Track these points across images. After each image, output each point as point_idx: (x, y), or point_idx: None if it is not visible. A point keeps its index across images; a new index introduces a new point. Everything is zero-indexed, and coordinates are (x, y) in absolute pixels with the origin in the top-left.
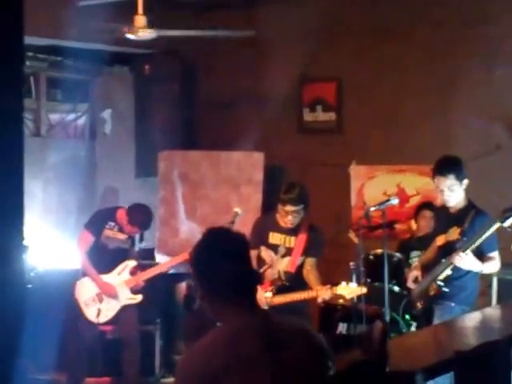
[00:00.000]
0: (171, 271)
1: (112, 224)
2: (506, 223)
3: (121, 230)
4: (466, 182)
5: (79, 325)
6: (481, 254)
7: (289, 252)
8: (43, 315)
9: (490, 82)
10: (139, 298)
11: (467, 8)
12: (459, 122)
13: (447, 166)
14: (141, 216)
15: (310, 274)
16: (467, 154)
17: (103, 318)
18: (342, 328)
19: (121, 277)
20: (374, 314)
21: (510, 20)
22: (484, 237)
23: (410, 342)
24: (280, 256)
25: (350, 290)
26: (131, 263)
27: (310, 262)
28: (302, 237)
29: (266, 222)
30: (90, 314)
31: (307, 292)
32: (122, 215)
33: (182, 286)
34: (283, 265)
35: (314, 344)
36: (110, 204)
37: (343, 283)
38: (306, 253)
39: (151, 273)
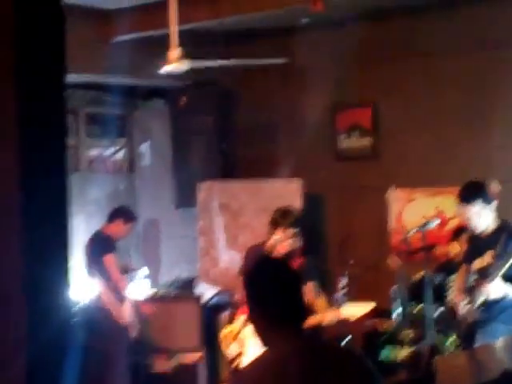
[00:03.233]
0: (213, 300)
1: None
2: None
3: None
4: (494, 203)
5: (124, 352)
6: None
7: None
8: (86, 349)
9: None
10: None
11: (507, 28)
12: (497, 144)
13: (473, 192)
14: (128, 208)
15: (318, 298)
16: (505, 176)
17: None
18: (386, 353)
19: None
20: (418, 338)
21: None
22: (508, 264)
23: (455, 362)
24: None
25: (357, 309)
26: None
27: (311, 287)
28: (297, 262)
29: (259, 252)
30: (133, 333)
31: (312, 318)
32: (113, 229)
33: (225, 316)
34: None
35: (361, 368)
36: (152, 236)
37: (350, 303)
38: (304, 278)
39: None
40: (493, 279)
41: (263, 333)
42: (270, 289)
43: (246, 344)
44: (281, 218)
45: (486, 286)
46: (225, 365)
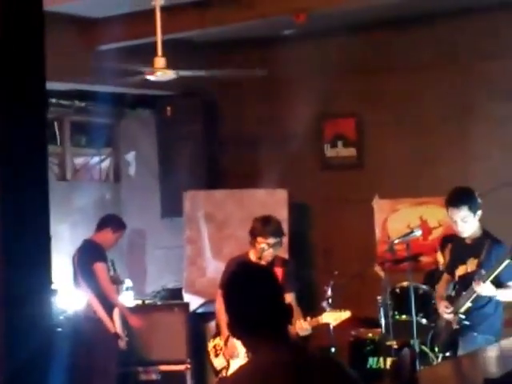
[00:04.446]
0: (200, 310)
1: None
2: None
3: None
4: (479, 213)
5: (113, 363)
6: (499, 283)
7: None
8: (73, 357)
9: (508, 114)
10: None
11: (488, 42)
12: (480, 154)
13: (460, 197)
14: (116, 216)
15: (295, 311)
16: (486, 186)
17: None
18: (371, 362)
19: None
20: (403, 347)
21: None
22: (497, 271)
23: (438, 372)
24: None
25: (334, 316)
26: None
27: (289, 298)
28: (278, 271)
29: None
30: (122, 344)
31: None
32: (101, 238)
33: (212, 325)
34: None
35: (345, 378)
36: (137, 246)
37: (327, 311)
38: (285, 288)
39: None
40: (485, 280)
41: (247, 341)
42: (250, 296)
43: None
44: (260, 228)
45: (479, 284)
46: (212, 374)
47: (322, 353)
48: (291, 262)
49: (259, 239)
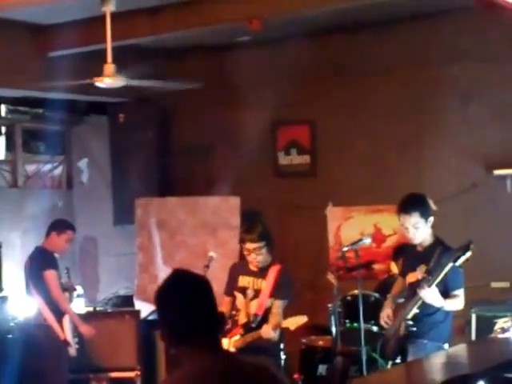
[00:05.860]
0: (151, 317)
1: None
2: (458, 262)
3: None
4: (431, 219)
5: (64, 370)
6: (446, 292)
7: (257, 294)
8: (23, 364)
9: (464, 121)
10: None
11: (441, 48)
12: (435, 161)
13: (411, 203)
14: (61, 219)
15: (273, 316)
16: (443, 193)
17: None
18: (321, 369)
19: None
20: (352, 354)
21: (482, 59)
22: (442, 275)
23: (382, 379)
24: (249, 299)
25: (292, 321)
26: None
27: (277, 305)
28: (271, 279)
29: (237, 267)
30: (72, 351)
31: (252, 333)
32: (50, 243)
33: None
34: (252, 307)
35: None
36: (90, 253)
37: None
38: (275, 295)
39: None
40: (429, 286)
41: (181, 350)
42: (183, 306)
43: None
44: (242, 234)
45: (423, 289)
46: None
47: (257, 360)
48: (287, 270)
49: (242, 245)
